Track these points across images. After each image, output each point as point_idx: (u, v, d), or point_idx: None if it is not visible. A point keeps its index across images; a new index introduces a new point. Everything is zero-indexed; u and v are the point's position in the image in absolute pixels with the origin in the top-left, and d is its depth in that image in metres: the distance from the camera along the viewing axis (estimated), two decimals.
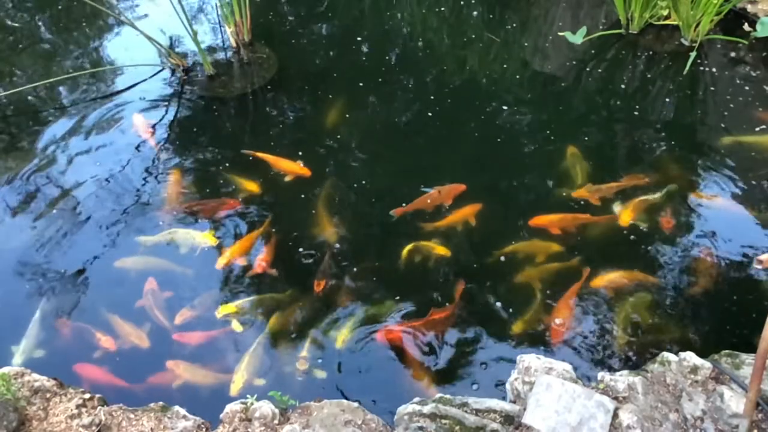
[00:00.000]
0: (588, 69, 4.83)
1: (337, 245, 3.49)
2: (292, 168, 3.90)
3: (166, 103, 4.48)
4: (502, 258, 3.42)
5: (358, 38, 5.14)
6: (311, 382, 2.91)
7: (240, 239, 3.51)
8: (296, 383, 2.91)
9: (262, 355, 2.99)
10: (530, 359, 2.62)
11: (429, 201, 3.72)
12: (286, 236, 3.56)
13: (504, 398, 2.60)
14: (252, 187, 3.81)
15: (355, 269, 3.39)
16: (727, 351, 2.69)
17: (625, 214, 3.58)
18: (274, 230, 3.57)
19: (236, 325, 3.13)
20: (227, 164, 3.98)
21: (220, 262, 3.38)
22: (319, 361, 3.00)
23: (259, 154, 3.98)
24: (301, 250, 3.48)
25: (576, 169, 3.91)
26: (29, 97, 4.50)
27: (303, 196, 3.76)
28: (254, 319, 3.18)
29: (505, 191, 3.84)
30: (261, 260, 3.41)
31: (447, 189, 3.78)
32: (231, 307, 3.21)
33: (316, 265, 3.39)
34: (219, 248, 3.47)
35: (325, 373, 2.94)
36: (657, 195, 3.70)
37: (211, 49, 4.96)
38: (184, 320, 3.15)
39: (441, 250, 3.42)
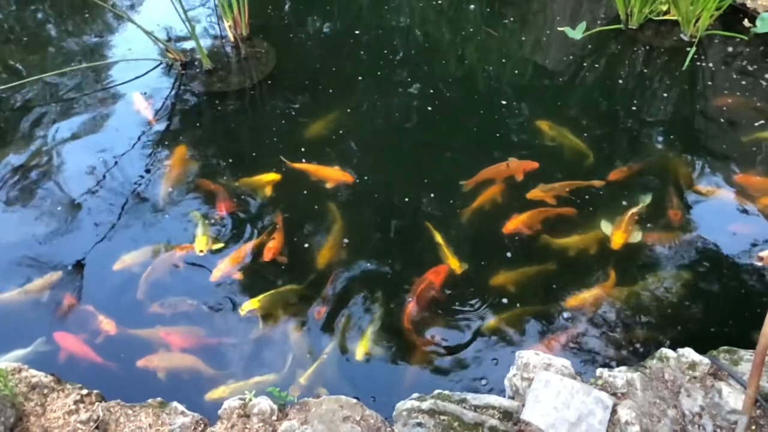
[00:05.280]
0: (587, 64, 4.82)
1: (345, 241, 3.47)
2: (334, 175, 3.82)
3: (164, 98, 4.46)
4: (508, 254, 3.41)
5: (357, 32, 5.12)
6: (310, 379, 2.91)
7: (244, 243, 3.49)
8: (295, 376, 2.91)
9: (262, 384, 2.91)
10: (529, 355, 2.62)
11: (497, 173, 3.74)
12: (293, 230, 3.54)
13: (503, 394, 2.60)
14: (253, 182, 3.79)
15: (360, 270, 3.38)
16: (725, 347, 2.68)
17: (617, 236, 3.45)
18: (279, 224, 3.54)
19: (261, 324, 3.11)
20: (230, 160, 3.96)
21: (215, 275, 3.30)
22: (324, 355, 3.00)
23: (297, 165, 3.88)
24: (307, 246, 3.47)
25: (573, 140, 3.95)
26: (26, 91, 4.47)
27: (306, 192, 3.75)
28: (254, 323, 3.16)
29: (506, 186, 3.82)
30: (270, 248, 3.37)
31: (517, 163, 3.78)
32: (254, 302, 3.16)
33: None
34: (218, 253, 3.44)
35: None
36: (640, 206, 3.63)
37: (209, 44, 4.94)
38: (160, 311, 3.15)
39: (454, 264, 3.35)
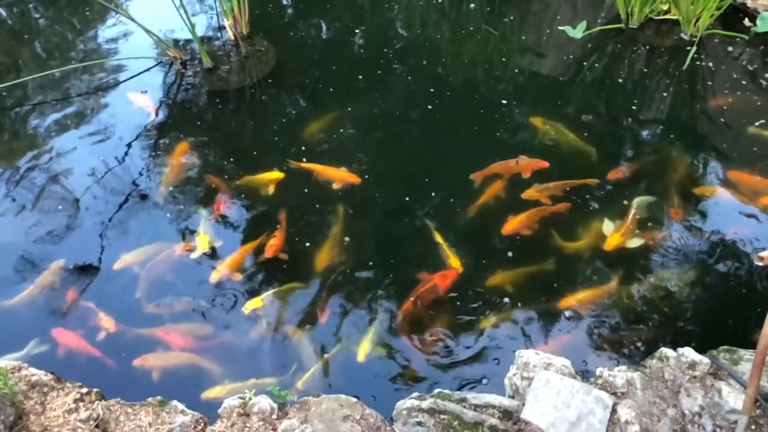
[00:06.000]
0: (587, 63, 4.81)
1: (346, 239, 3.47)
2: (341, 176, 3.80)
3: (164, 96, 4.46)
4: (509, 254, 3.41)
5: (357, 31, 5.11)
6: (310, 378, 2.91)
7: (245, 242, 3.47)
8: (294, 378, 2.91)
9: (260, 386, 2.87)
10: (529, 354, 2.62)
11: (506, 169, 3.77)
12: (295, 228, 3.53)
13: (503, 393, 2.60)
14: (256, 180, 3.79)
15: (361, 269, 3.37)
16: (725, 347, 2.68)
17: (612, 238, 3.43)
18: (282, 222, 3.54)
19: (264, 323, 3.10)
20: (231, 158, 3.96)
21: (215, 275, 3.29)
22: (325, 355, 3.00)
23: (305, 165, 3.87)
24: (308, 244, 3.46)
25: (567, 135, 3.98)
26: (25, 89, 4.47)
27: (307, 190, 3.75)
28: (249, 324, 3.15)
29: (512, 184, 3.81)
30: (271, 246, 3.36)
31: (526, 161, 3.80)
32: (257, 301, 3.16)
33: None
34: (219, 252, 3.43)
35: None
36: (639, 200, 3.62)
37: (210, 42, 4.94)
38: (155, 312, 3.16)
39: (455, 263, 3.34)
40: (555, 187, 3.71)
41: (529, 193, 3.67)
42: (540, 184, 3.71)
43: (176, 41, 4.88)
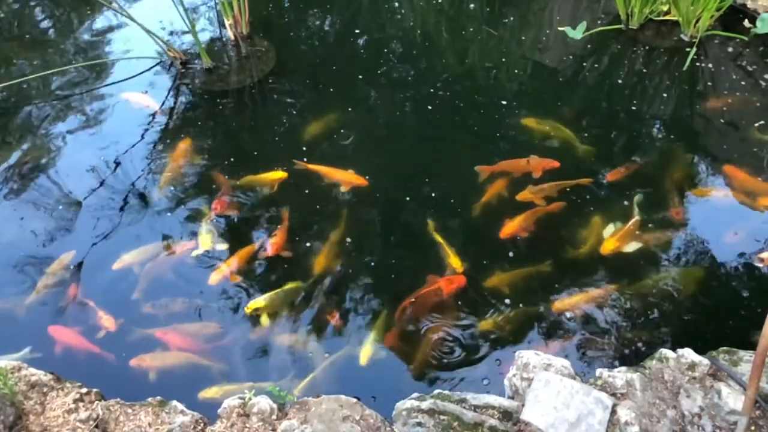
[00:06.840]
0: (587, 64, 4.81)
1: (348, 239, 3.47)
2: (348, 178, 3.78)
3: (164, 96, 4.46)
4: (510, 254, 3.42)
5: (357, 31, 5.11)
6: (310, 378, 2.90)
7: (247, 244, 3.46)
8: (294, 379, 2.91)
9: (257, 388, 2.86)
10: (529, 355, 2.62)
11: (516, 167, 3.77)
12: (298, 228, 3.53)
13: (503, 394, 2.60)
14: (259, 180, 3.78)
15: (362, 270, 3.37)
16: (725, 348, 2.68)
17: (608, 243, 3.43)
18: (285, 220, 3.54)
19: (265, 323, 3.10)
20: (232, 158, 3.96)
21: (215, 277, 3.27)
22: (326, 355, 3.00)
23: (311, 166, 3.86)
24: (308, 244, 3.46)
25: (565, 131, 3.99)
26: (24, 90, 4.46)
27: (308, 191, 3.75)
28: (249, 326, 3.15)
29: (508, 184, 3.81)
30: (273, 243, 3.37)
31: (537, 161, 3.79)
32: (259, 301, 3.14)
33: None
34: (221, 252, 3.43)
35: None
36: (636, 213, 3.59)
37: (210, 42, 4.93)
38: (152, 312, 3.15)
39: (456, 263, 3.34)
40: (550, 188, 3.70)
41: (523, 195, 3.66)
42: (534, 185, 3.71)
43: (176, 40, 4.88)
